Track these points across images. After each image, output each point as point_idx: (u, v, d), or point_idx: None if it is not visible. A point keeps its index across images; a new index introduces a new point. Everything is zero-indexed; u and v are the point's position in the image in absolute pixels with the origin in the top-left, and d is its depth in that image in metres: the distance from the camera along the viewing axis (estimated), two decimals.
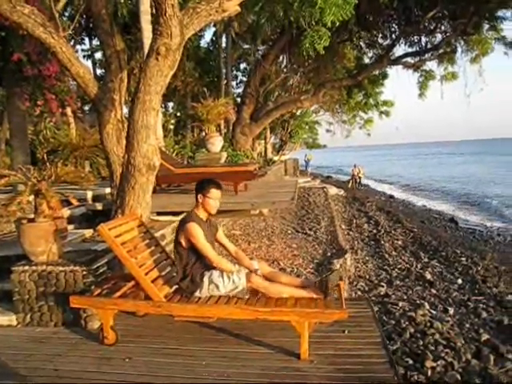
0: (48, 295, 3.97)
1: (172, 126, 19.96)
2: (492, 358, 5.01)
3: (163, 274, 3.80)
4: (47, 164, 10.89)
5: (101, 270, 4.14)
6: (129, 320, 4.01)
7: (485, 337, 5.62)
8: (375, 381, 2.89)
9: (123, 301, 3.52)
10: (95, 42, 17.30)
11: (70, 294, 3.74)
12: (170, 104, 24.92)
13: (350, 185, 29.09)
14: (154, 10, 6.99)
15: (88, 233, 5.62)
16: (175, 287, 3.73)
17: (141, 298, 3.60)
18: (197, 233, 3.55)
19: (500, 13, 14.18)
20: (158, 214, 6.36)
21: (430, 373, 4.64)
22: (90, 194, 6.85)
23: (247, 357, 3.28)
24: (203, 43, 24.49)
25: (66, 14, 15.18)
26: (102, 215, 6.41)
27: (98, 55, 18.90)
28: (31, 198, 4.11)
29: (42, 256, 4.01)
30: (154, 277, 3.58)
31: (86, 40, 17.73)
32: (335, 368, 3.06)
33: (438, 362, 4.83)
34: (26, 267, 4.00)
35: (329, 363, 3.13)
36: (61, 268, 3.94)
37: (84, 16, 14.67)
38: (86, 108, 17.52)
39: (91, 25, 14.78)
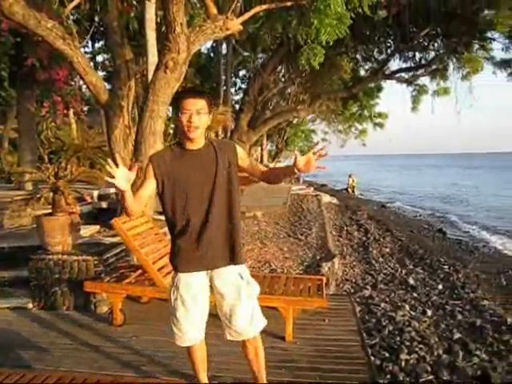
0: (62, 282, 4.44)
1: (171, 131, 20.42)
2: (461, 353, 5.46)
3: (167, 264, 4.25)
4: (48, 164, 11.33)
5: (110, 261, 4.63)
6: (134, 306, 4.48)
7: (457, 335, 6.09)
8: (349, 359, 3.38)
9: (132, 286, 4.00)
10: (97, 45, 17.83)
11: (82, 281, 4.22)
12: (170, 108, 25.35)
13: (349, 193, 29.60)
14: (158, 19, 7.55)
15: (94, 228, 6.10)
16: None
17: (146, 286, 4.08)
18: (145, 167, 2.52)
19: (489, 34, 14.78)
20: (160, 213, 6.84)
21: (403, 364, 5.11)
22: (95, 193, 7.31)
23: None
24: (203, 49, 24.98)
25: (72, 17, 15.67)
26: (106, 213, 6.89)
27: (100, 58, 19.42)
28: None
29: (57, 246, 4.48)
30: (159, 267, 4.04)
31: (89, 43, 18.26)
32: (315, 348, 3.56)
33: (412, 356, 5.30)
34: (43, 256, 4.47)
35: (310, 344, 3.63)
36: (74, 257, 4.42)
37: (89, 20, 15.14)
38: (85, 109, 18.01)
39: (95, 29, 15.31)
